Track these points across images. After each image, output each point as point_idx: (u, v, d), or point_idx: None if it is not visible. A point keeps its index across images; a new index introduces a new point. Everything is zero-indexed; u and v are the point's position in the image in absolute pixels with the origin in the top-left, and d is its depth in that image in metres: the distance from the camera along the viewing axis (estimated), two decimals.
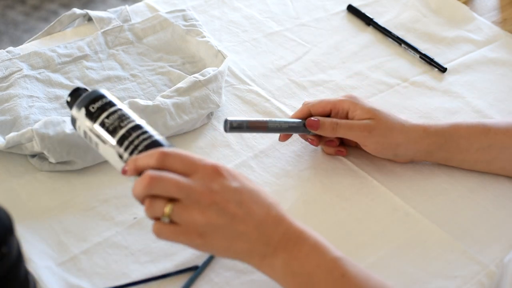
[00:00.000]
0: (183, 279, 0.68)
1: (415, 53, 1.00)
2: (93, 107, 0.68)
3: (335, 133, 0.79)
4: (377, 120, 0.78)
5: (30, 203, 0.75)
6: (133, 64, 0.92)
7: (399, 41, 1.02)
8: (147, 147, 0.65)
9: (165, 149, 0.63)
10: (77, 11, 0.98)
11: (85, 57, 0.91)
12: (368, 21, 1.06)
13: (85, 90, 0.71)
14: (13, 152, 0.78)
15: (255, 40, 1.02)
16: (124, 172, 0.64)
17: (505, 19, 1.11)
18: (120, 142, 0.67)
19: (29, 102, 0.84)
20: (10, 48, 0.91)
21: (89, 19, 0.99)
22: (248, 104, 0.90)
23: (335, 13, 1.09)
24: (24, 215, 0.74)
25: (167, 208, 0.60)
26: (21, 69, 0.87)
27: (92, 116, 0.68)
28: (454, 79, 0.97)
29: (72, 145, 0.75)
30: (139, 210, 0.74)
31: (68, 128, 0.76)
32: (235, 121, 0.78)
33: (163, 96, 0.83)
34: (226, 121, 0.78)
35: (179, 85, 0.84)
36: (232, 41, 1.01)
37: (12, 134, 0.76)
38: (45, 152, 0.75)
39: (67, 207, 0.75)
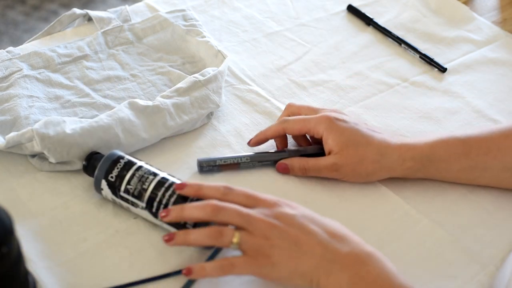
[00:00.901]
0: (183, 279, 0.68)
1: (415, 53, 1.00)
2: (111, 177, 0.72)
3: (305, 175, 0.79)
4: (345, 156, 0.76)
5: (30, 203, 0.75)
6: (133, 64, 0.92)
7: (399, 41, 1.02)
8: (176, 203, 0.70)
9: (228, 185, 0.68)
10: (77, 11, 0.98)
11: (85, 57, 0.91)
12: (368, 21, 1.06)
13: (100, 155, 0.75)
14: (13, 152, 0.78)
15: (255, 40, 1.02)
16: (182, 187, 0.69)
17: (505, 19, 1.11)
18: (149, 204, 0.71)
19: (29, 102, 0.84)
20: (10, 48, 0.91)
21: (89, 19, 0.99)
22: (248, 104, 0.90)
23: (335, 13, 1.09)
24: (24, 215, 0.74)
25: (236, 237, 0.64)
26: (21, 69, 0.87)
27: (114, 186, 0.73)
28: (454, 79, 0.98)
29: (72, 145, 0.75)
30: None
31: (68, 128, 0.76)
32: (205, 161, 0.79)
33: (163, 96, 0.83)
34: (197, 162, 0.80)
35: (179, 85, 0.84)
36: (232, 41, 1.01)
37: (12, 134, 0.76)
38: (45, 152, 0.75)
39: (67, 207, 0.75)
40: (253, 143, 0.82)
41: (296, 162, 0.79)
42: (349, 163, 0.76)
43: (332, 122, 0.77)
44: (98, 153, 0.76)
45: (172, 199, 0.70)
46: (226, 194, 0.67)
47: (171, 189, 0.70)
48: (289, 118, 0.80)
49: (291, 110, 0.82)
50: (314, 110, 0.81)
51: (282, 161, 0.80)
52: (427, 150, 0.77)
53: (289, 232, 0.64)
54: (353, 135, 0.77)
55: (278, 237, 0.64)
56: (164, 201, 0.70)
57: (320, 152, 0.81)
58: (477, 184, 0.80)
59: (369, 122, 0.88)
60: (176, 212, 0.67)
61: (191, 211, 0.66)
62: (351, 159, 0.76)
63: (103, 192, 0.73)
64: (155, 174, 0.72)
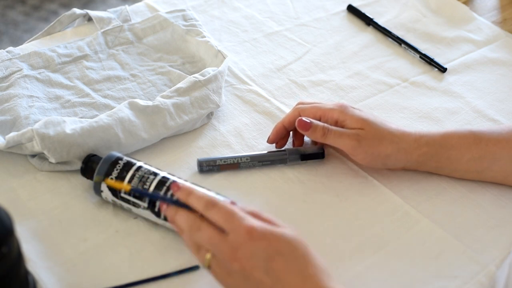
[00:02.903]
0: (183, 280, 0.68)
1: (415, 53, 1.00)
2: (111, 178, 0.71)
3: (325, 139, 0.78)
4: (366, 130, 0.77)
5: (30, 203, 0.75)
6: (133, 64, 0.92)
7: (399, 41, 1.02)
8: (177, 202, 0.68)
9: (214, 199, 0.64)
10: (77, 11, 0.98)
11: (85, 57, 0.92)
12: (368, 21, 1.06)
13: (97, 157, 0.75)
14: (13, 152, 0.78)
15: (255, 40, 1.02)
16: (176, 189, 0.67)
17: (505, 19, 1.11)
18: (151, 204, 0.71)
19: (29, 102, 0.84)
20: (10, 48, 0.91)
21: (89, 19, 0.99)
22: (248, 104, 0.90)
23: (335, 13, 1.09)
24: (24, 215, 0.74)
25: (207, 258, 0.63)
26: (21, 69, 0.87)
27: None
28: (454, 79, 0.98)
29: (72, 145, 0.75)
30: None
31: (68, 128, 0.76)
32: (205, 161, 0.79)
33: (163, 96, 0.83)
34: (197, 162, 0.80)
35: (179, 85, 0.84)
36: (232, 41, 1.01)
37: (12, 134, 0.76)
38: (45, 152, 0.75)
39: (67, 207, 0.75)
40: (272, 138, 0.83)
41: (320, 123, 0.78)
42: (370, 138, 0.77)
43: (346, 108, 0.79)
44: (95, 155, 0.76)
45: (175, 198, 0.70)
46: (208, 209, 0.63)
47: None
48: (304, 105, 0.81)
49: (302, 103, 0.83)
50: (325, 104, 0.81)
51: (304, 118, 0.78)
52: (440, 138, 0.78)
53: (253, 275, 0.60)
54: (371, 117, 0.78)
55: (241, 278, 0.61)
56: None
57: (320, 152, 0.81)
58: (484, 178, 0.80)
59: None
60: (170, 212, 0.66)
61: (178, 217, 0.65)
62: (372, 135, 0.77)
63: (103, 194, 0.73)
64: (155, 174, 0.72)
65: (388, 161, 0.78)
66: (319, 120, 0.80)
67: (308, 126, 0.78)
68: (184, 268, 0.69)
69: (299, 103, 0.83)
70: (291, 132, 0.84)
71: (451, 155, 0.78)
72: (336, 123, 0.78)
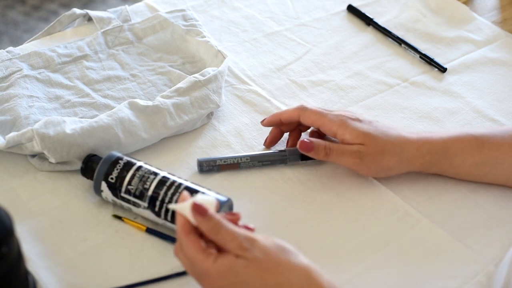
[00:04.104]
0: (183, 282, 0.68)
1: (415, 53, 1.00)
2: (111, 178, 0.71)
3: (327, 158, 0.77)
4: (367, 145, 0.76)
5: (30, 203, 0.75)
6: (133, 64, 0.92)
7: (399, 41, 1.02)
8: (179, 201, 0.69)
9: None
10: (77, 11, 0.98)
11: (85, 57, 0.92)
12: (368, 21, 1.06)
13: (97, 157, 0.75)
14: (13, 152, 0.78)
15: (255, 40, 1.02)
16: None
17: (505, 19, 1.11)
18: (151, 204, 0.71)
19: (29, 102, 0.84)
20: (10, 48, 0.91)
21: (89, 19, 0.99)
22: (248, 104, 0.90)
23: (335, 13, 1.09)
24: (24, 215, 0.74)
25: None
26: (21, 69, 0.87)
27: (115, 187, 0.72)
28: (454, 79, 0.97)
29: (72, 145, 0.75)
30: None
31: (68, 128, 0.76)
32: (205, 161, 0.79)
33: (163, 96, 0.83)
34: (197, 162, 0.80)
35: (179, 85, 0.84)
36: (232, 41, 1.01)
37: (12, 134, 0.76)
38: (45, 152, 0.75)
39: (67, 207, 0.75)
40: (266, 122, 0.83)
41: (321, 141, 0.78)
42: (372, 153, 0.76)
43: (346, 121, 0.77)
44: (95, 155, 0.76)
45: (175, 197, 0.70)
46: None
47: (173, 187, 0.71)
48: (308, 106, 0.79)
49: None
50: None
51: (305, 139, 0.78)
52: (442, 144, 0.78)
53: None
54: (371, 128, 0.77)
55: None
56: (166, 200, 0.70)
57: None
58: (486, 181, 0.80)
59: None
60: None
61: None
62: (373, 149, 0.76)
63: (103, 194, 0.73)
64: (155, 174, 0.72)
65: (391, 172, 0.78)
66: (318, 131, 0.80)
67: (310, 148, 0.77)
68: (184, 270, 0.69)
69: (302, 106, 0.80)
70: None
71: (453, 161, 0.78)
72: (335, 136, 0.78)
